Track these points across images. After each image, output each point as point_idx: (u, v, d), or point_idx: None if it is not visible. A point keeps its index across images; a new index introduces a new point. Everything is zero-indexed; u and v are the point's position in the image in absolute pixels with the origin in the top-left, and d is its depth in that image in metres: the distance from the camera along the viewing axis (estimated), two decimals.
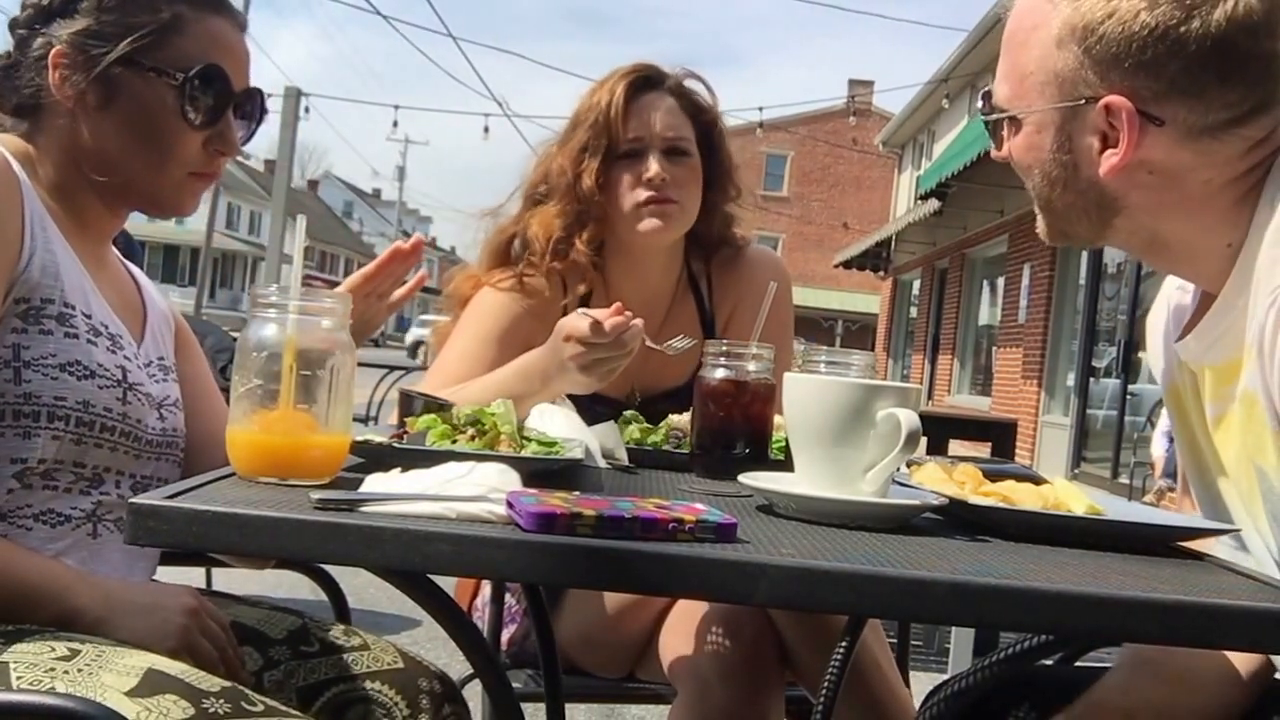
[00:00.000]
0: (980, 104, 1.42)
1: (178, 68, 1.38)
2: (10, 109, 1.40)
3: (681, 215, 2.03)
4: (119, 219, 1.48)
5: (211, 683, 1.16)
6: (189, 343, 1.62)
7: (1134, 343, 11.43)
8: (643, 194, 1.99)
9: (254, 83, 1.48)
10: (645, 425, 1.72)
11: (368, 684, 1.43)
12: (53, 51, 1.36)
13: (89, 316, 1.35)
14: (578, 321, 1.64)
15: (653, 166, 1.98)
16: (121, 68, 1.37)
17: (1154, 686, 1.31)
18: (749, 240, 2.20)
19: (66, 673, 1.13)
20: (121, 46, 1.36)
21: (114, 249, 1.55)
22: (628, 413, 1.74)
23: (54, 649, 1.17)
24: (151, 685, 1.12)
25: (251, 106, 1.48)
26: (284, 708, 1.19)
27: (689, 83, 2.10)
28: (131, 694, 1.11)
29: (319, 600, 1.83)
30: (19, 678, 1.12)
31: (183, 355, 1.59)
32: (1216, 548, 1.33)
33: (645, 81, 2.04)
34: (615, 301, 1.67)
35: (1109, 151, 1.28)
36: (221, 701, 1.13)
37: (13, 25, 1.41)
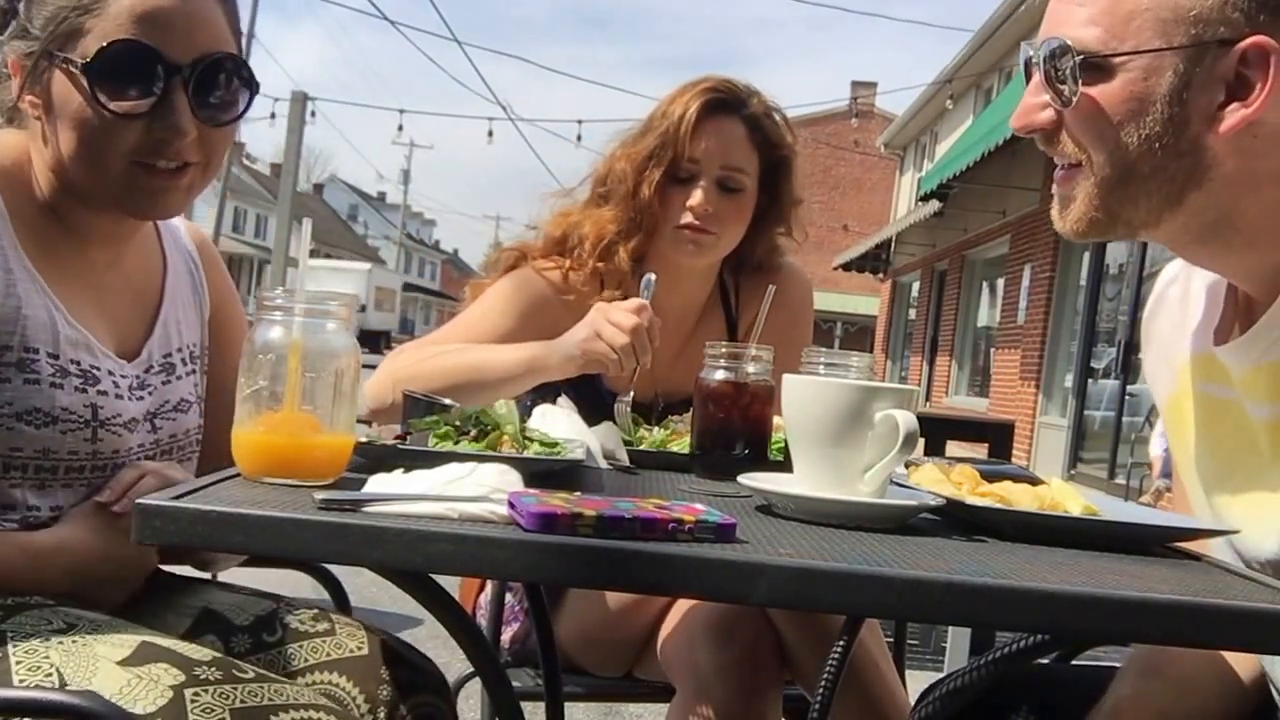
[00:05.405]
0: (1037, 53, 1.19)
1: (85, 53, 1.27)
2: (5, 121, 1.37)
3: (716, 246, 2.04)
4: (126, 220, 1.39)
5: (203, 653, 1.18)
6: (229, 339, 1.54)
7: (1134, 343, 11.36)
8: (684, 218, 1.99)
9: (232, 54, 1.33)
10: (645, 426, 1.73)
11: (321, 676, 1.36)
12: (10, 61, 1.32)
13: (55, 357, 1.29)
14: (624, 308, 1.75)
15: (698, 196, 1.99)
16: (47, 64, 1.29)
17: (1162, 693, 1.29)
18: (783, 254, 2.21)
19: (61, 644, 1.16)
20: (41, 43, 1.29)
21: (153, 235, 1.49)
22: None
23: (51, 621, 1.19)
24: (143, 655, 1.15)
25: (217, 75, 1.32)
26: (273, 675, 1.20)
27: (771, 115, 2.06)
28: (123, 663, 1.14)
29: (321, 600, 1.84)
30: (15, 649, 1.14)
31: (220, 343, 1.54)
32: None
33: (721, 103, 2.01)
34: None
35: (1234, 105, 1.12)
36: (212, 669, 1.15)
37: None
